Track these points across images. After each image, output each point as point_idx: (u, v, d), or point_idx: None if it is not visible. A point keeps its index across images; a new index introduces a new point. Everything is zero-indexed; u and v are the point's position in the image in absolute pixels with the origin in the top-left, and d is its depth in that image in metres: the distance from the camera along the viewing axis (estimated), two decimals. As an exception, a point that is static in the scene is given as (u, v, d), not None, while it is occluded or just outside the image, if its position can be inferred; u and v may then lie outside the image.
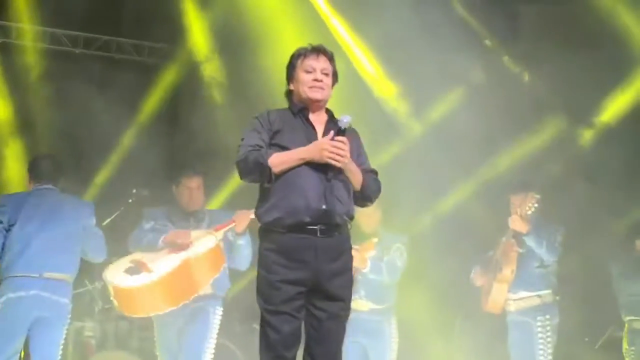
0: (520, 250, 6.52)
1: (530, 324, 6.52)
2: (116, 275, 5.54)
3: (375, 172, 4.35)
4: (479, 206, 8.62)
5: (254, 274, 4.19)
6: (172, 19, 9.53)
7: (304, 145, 4.09)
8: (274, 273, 4.02)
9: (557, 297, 6.67)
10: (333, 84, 4.30)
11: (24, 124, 9.32)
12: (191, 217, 6.06)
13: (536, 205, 6.37)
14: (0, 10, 9.39)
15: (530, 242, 6.47)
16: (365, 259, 6.51)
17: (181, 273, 5.49)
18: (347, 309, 4.18)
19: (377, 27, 8.59)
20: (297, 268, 4.01)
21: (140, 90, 9.72)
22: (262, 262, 4.11)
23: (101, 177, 9.34)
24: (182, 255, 5.56)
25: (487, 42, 9.22)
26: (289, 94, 4.30)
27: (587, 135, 8.54)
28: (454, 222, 8.61)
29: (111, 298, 5.62)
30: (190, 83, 9.88)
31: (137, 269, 5.49)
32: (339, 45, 9.34)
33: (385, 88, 9.04)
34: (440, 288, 8.43)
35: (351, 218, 4.22)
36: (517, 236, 6.49)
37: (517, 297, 6.60)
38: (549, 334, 6.50)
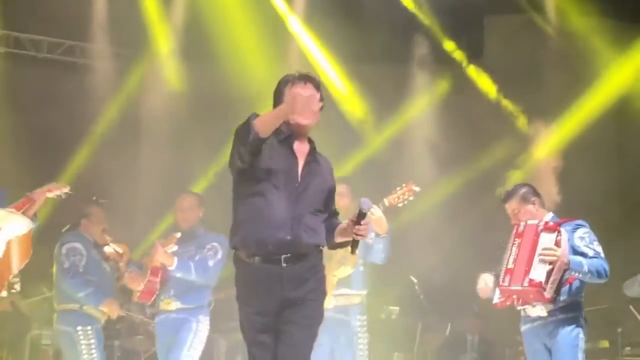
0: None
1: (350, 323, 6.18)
2: None
3: (337, 214, 4.30)
4: (438, 217, 8.67)
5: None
6: (136, 23, 9.43)
7: (282, 172, 4.02)
8: (246, 305, 4.04)
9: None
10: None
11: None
12: None
13: (411, 198, 5.76)
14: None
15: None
16: (170, 255, 6.13)
17: None
18: (311, 317, 4.07)
19: (345, 41, 8.59)
20: (264, 298, 3.99)
21: (102, 95, 9.62)
22: (237, 293, 4.09)
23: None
24: None
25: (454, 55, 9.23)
26: None
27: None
28: (415, 231, 8.63)
29: None
30: (153, 87, 9.78)
31: None
32: (305, 57, 9.35)
33: (350, 100, 9.02)
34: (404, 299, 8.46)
35: (321, 247, 4.15)
36: None
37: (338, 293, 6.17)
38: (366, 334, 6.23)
